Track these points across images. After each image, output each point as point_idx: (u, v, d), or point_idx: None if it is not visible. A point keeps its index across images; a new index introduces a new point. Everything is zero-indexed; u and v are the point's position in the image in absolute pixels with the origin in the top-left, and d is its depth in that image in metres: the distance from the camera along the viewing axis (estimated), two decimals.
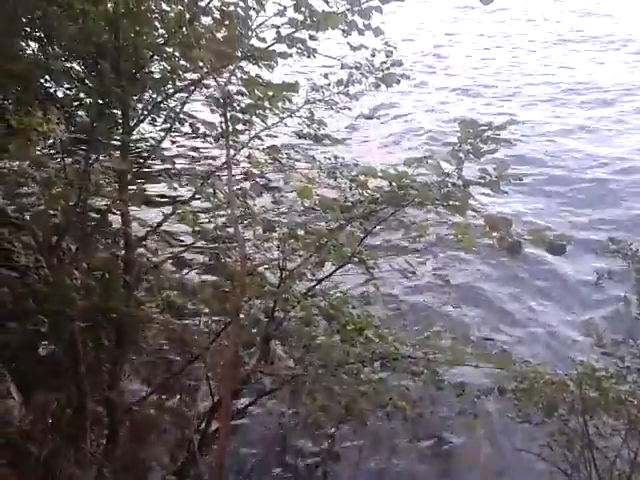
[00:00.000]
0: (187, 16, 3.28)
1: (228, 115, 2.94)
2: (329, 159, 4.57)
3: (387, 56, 4.86)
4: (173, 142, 4.05)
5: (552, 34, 12.30)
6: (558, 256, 4.59)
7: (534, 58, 10.76)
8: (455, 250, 4.47)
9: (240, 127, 3.33)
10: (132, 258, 3.34)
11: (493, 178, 2.34)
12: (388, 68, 4.88)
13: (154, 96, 3.92)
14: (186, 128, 4.25)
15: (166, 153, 4.19)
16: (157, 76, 3.93)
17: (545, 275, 4.67)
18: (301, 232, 3.01)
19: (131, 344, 3.40)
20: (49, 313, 3.44)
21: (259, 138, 3.74)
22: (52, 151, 5.02)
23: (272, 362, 3.16)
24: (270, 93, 3.52)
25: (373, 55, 4.80)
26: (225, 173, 3.94)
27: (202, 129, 4.04)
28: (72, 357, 3.35)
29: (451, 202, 2.36)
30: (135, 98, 3.84)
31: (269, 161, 3.97)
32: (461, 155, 2.44)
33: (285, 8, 3.43)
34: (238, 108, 3.25)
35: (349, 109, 4.98)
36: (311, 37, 3.71)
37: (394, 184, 2.49)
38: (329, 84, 5.02)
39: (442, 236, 3.26)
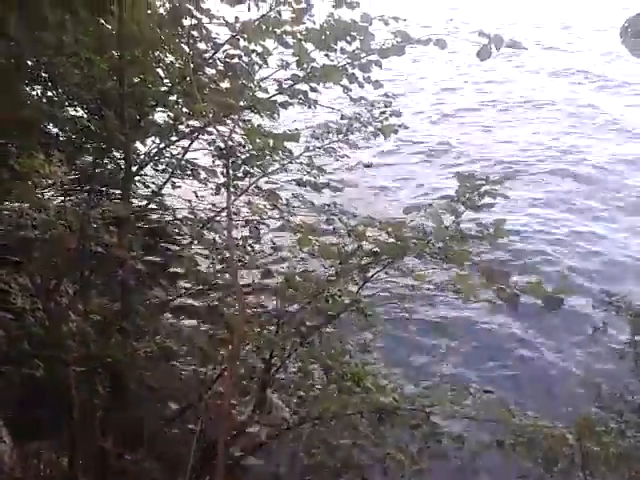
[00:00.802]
0: (191, 66, 3.35)
1: (229, 163, 2.97)
2: (328, 205, 4.60)
3: (386, 106, 5.00)
4: (174, 187, 4.08)
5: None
6: (553, 310, 4.57)
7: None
8: (454, 299, 4.48)
9: (241, 173, 3.36)
10: (129, 303, 3.33)
11: (490, 232, 2.36)
12: (387, 118, 5.02)
13: (157, 141, 3.99)
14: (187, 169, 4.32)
15: (167, 198, 4.21)
16: (160, 121, 4.02)
17: (540, 326, 4.67)
18: (299, 279, 3.00)
19: (126, 391, 3.35)
20: (44, 358, 3.41)
21: (258, 187, 3.82)
22: (53, 193, 5.09)
23: (269, 411, 3.11)
24: (271, 142, 3.62)
25: (372, 106, 4.94)
26: (224, 218, 4.03)
27: (203, 174, 4.10)
28: (66, 403, 3.31)
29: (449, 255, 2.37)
30: (138, 144, 3.92)
31: (268, 207, 4.00)
32: (459, 208, 2.48)
33: (288, 64, 3.52)
34: (240, 161, 3.30)
35: (348, 157, 5.05)
36: (312, 89, 3.81)
37: (392, 238, 2.50)
38: (329, 132, 5.13)
39: (440, 283, 3.26)
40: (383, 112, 5.08)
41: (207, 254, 3.57)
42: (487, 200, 2.47)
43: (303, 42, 3.45)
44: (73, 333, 3.22)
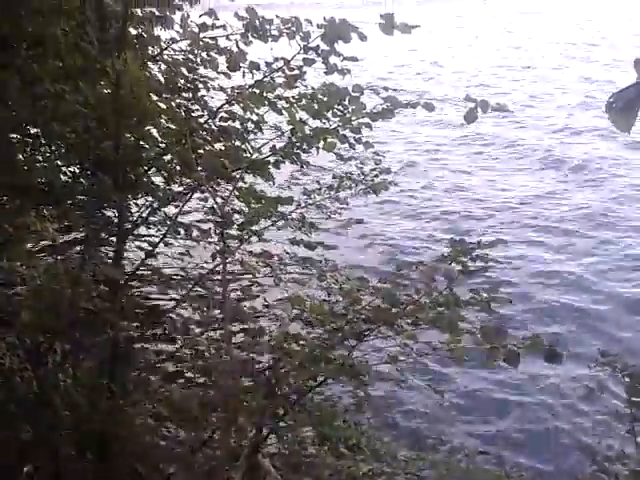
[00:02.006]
0: (187, 130, 3.42)
1: (224, 231, 3.00)
2: (320, 261, 4.62)
3: (376, 164, 5.11)
4: (167, 244, 4.09)
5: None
6: (554, 364, 4.55)
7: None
8: (449, 358, 4.45)
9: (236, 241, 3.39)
10: (119, 367, 3.29)
11: (484, 298, 2.39)
12: (377, 175, 5.13)
13: (150, 199, 4.03)
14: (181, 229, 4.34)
15: (159, 255, 4.21)
16: (154, 179, 4.07)
17: (535, 385, 4.65)
18: (293, 344, 2.99)
19: (114, 457, 3.27)
20: (33, 422, 3.33)
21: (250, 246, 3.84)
22: (44, 251, 5.07)
23: (264, 478, 3.04)
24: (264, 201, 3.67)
25: (362, 164, 5.05)
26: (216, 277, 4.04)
27: (196, 232, 4.14)
28: (53, 469, 3.22)
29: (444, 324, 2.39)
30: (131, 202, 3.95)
31: (261, 264, 4.01)
32: (453, 273, 2.51)
33: (282, 133, 3.60)
34: (235, 227, 3.34)
35: (339, 214, 5.11)
36: (304, 151, 3.89)
37: (385, 304, 2.52)
38: (320, 189, 5.22)
39: (435, 344, 3.25)
40: (373, 169, 5.21)
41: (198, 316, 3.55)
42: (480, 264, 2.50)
43: (296, 110, 3.53)
44: (62, 397, 3.16)
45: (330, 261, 4.90)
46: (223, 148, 3.76)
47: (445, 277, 2.48)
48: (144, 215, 3.88)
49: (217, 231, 3.22)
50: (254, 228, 3.47)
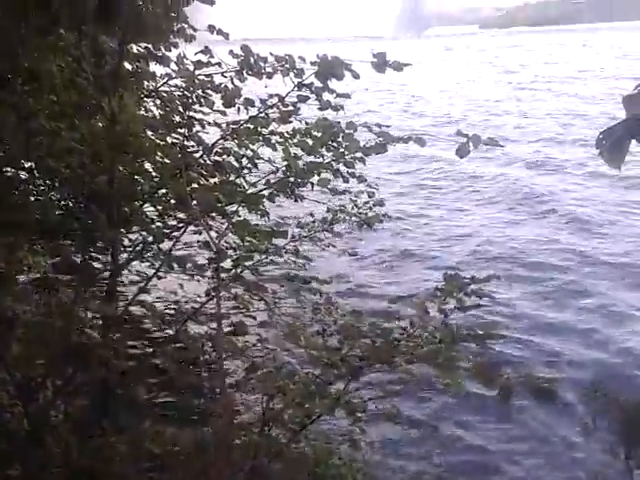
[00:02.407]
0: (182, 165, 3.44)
1: (219, 267, 3.00)
2: (314, 294, 4.60)
3: (369, 197, 5.15)
4: (160, 278, 4.07)
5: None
6: (546, 402, 4.54)
7: None
8: (444, 394, 4.42)
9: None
10: (110, 404, 3.24)
11: (478, 332, 2.38)
12: (370, 208, 5.16)
13: (144, 233, 4.03)
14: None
15: (152, 288, 4.18)
16: (148, 213, 4.08)
17: (530, 420, 4.59)
18: (287, 380, 2.96)
19: None
20: (23, 459, 3.26)
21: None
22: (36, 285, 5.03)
23: None
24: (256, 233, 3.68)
25: (356, 197, 5.10)
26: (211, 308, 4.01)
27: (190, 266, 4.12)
28: None
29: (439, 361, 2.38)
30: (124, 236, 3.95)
31: (255, 299, 4.00)
32: (447, 308, 2.51)
33: (277, 169, 3.63)
34: (230, 262, 3.33)
35: (334, 246, 5.13)
36: (298, 185, 3.92)
37: (380, 341, 2.51)
38: (314, 222, 5.24)
39: (431, 378, 3.22)
40: (367, 202, 5.25)
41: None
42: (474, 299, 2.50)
43: (290, 145, 3.57)
44: (53, 434, 3.10)
45: (324, 294, 4.89)
46: (218, 182, 3.78)
47: (440, 312, 2.48)
48: (138, 249, 3.87)
49: (211, 266, 3.21)
50: (248, 263, 3.45)
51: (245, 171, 3.75)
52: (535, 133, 17.51)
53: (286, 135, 3.88)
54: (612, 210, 10.33)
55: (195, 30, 3.74)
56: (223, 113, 3.70)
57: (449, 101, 25.21)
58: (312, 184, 3.73)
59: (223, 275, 3.70)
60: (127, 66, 3.94)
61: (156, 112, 4.05)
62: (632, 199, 10.81)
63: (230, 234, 3.58)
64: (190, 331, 3.60)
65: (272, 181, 3.78)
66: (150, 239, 3.87)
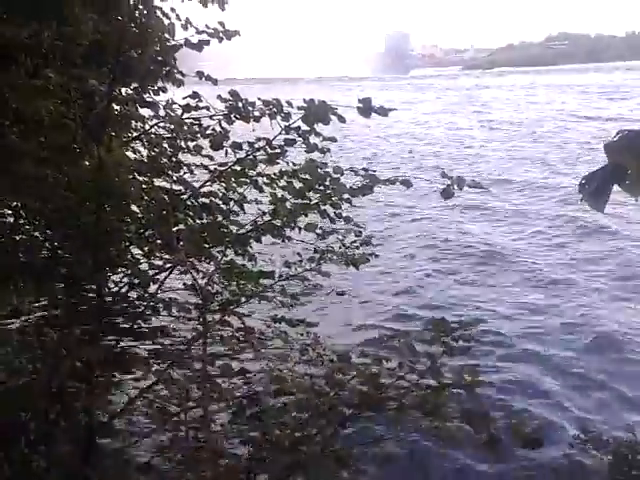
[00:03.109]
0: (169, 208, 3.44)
1: (205, 311, 2.97)
2: (301, 335, 4.57)
3: (356, 236, 5.17)
4: (145, 319, 4.02)
5: None
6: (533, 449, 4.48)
7: None
8: (433, 440, 4.36)
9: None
10: (94, 451, 3.16)
11: (466, 378, 2.37)
12: (357, 247, 5.17)
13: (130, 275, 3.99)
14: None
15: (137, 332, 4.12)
16: (134, 252, 4.05)
17: (518, 467, 4.52)
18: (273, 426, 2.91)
19: None
20: None
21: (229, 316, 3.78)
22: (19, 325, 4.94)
23: None
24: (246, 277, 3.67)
25: (344, 237, 5.11)
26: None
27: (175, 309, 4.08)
28: None
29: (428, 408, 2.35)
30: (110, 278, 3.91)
31: (242, 339, 3.96)
32: (435, 351, 2.49)
33: (264, 213, 3.65)
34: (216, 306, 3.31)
35: (321, 286, 5.11)
36: (285, 226, 3.94)
37: (369, 386, 2.48)
38: (301, 261, 5.23)
39: (420, 424, 3.18)
40: (354, 242, 5.26)
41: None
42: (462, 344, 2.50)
43: (277, 186, 3.60)
44: None
45: (312, 334, 4.87)
46: (205, 224, 3.78)
47: (428, 357, 2.47)
48: (123, 291, 3.83)
49: (197, 309, 3.18)
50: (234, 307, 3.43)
51: (232, 214, 3.76)
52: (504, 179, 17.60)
53: (273, 177, 3.92)
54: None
55: (183, 75, 3.79)
56: (211, 158, 3.72)
57: (420, 141, 25.64)
58: (299, 228, 3.74)
59: (210, 317, 3.68)
60: (116, 108, 3.98)
61: (144, 153, 4.08)
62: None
63: (217, 276, 3.57)
64: (175, 374, 3.53)
65: (259, 223, 3.79)
66: (136, 281, 3.83)
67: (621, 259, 10.10)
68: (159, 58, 3.86)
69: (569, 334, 7.16)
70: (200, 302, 2.79)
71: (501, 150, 22.63)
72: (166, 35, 3.83)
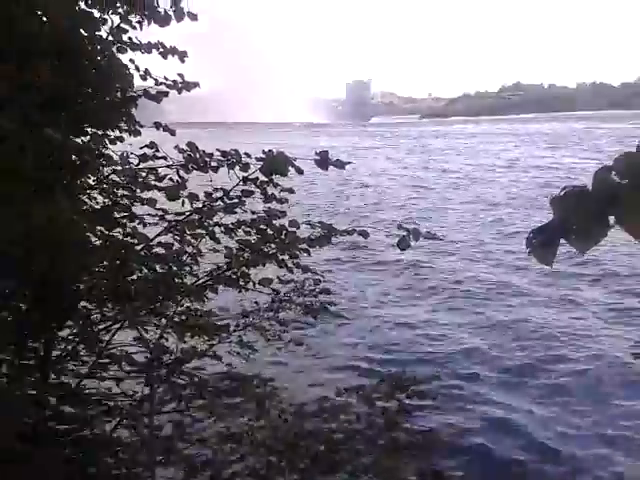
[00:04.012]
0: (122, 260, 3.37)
1: (155, 376, 2.88)
2: (257, 386, 4.47)
3: (315, 284, 5.15)
4: (94, 375, 3.86)
5: None
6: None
7: None
8: None
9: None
10: None
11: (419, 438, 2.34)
12: (316, 296, 5.15)
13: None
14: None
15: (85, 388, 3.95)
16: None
17: None
18: None
19: None
20: None
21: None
22: None
23: None
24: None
25: (302, 286, 5.09)
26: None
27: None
28: None
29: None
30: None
31: (195, 395, 3.84)
32: (390, 407, 2.46)
33: (219, 267, 3.61)
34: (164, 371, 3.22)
35: (279, 336, 5.04)
36: (242, 275, 3.90)
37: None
38: (259, 310, 5.18)
39: None
40: (313, 290, 5.24)
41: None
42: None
43: (236, 236, 3.58)
44: None
45: (269, 386, 4.76)
46: (159, 274, 3.71)
47: (382, 414, 2.43)
48: (71, 346, 3.69)
49: (147, 364, 3.08)
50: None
51: (187, 265, 3.71)
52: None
53: (231, 226, 3.90)
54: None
55: (141, 126, 3.78)
56: (165, 212, 3.68)
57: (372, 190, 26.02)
58: (253, 283, 3.72)
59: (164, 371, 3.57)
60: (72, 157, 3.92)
61: (100, 202, 4.01)
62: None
63: (171, 330, 3.48)
64: (123, 434, 3.39)
65: (215, 274, 3.74)
66: (85, 336, 3.70)
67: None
68: (119, 107, 3.84)
69: (524, 384, 7.12)
70: (148, 364, 2.69)
71: (452, 198, 23.14)
72: (125, 84, 3.83)
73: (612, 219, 1.31)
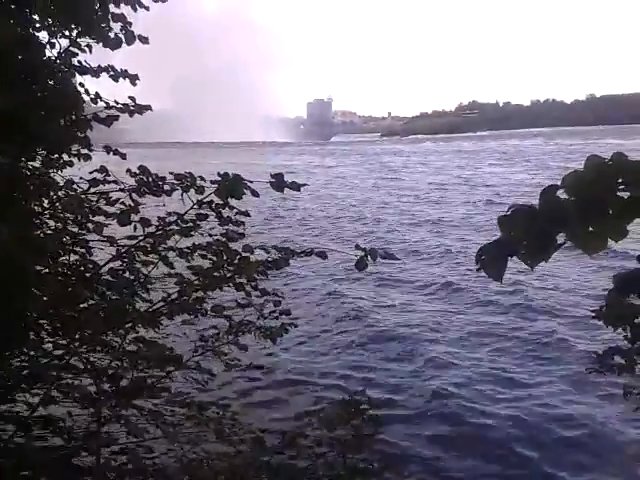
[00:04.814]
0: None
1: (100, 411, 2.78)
2: (218, 413, 4.38)
3: (275, 306, 5.09)
4: (46, 406, 3.71)
5: None
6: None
7: None
8: None
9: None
10: None
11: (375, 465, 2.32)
12: (277, 317, 5.08)
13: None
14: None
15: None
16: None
17: None
18: None
19: None
20: None
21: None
22: None
23: None
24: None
25: (262, 308, 5.02)
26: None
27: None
28: None
29: None
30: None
31: (151, 423, 3.73)
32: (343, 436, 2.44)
33: (169, 295, 3.54)
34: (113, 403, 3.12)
35: (238, 360, 4.94)
36: (198, 300, 3.83)
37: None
38: (218, 333, 5.08)
39: None
40: (273, 311, 5.17)
41: None
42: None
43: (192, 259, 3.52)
44: None
45: (229, 413, 4.66)
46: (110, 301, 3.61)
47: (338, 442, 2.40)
48: (21, 376, 3.54)
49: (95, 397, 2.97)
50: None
51: (141, 290, 3.62)
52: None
53: (186, 251, 3.84)
54: None
55: (91, 150, 3.70)
56: (113, 239, 3.60)
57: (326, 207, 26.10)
58: (205, 311, 3.66)
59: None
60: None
61: (52, 225, 3.90)
62: None
63: (123, 359, 3.38)
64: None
65: (169, 300, 3.67)
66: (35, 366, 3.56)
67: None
68: (73, 129, 3.76)
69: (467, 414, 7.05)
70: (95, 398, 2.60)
71: (406, 216, 23.35)
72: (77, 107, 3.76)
73: (562, 236, 1.33)
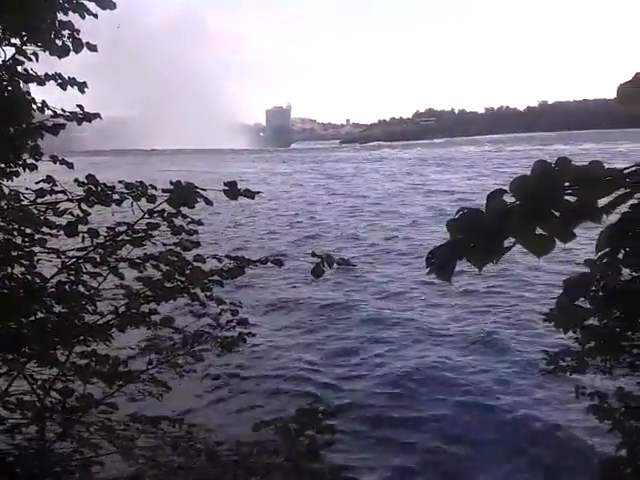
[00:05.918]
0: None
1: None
2: (172, 425, 4.29)
3: (233, 315, 5.02)
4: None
5: None
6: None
7: None
8: None
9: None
10: None
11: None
12: (234, 327, 5.02)
13: None
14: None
15: None
16: None
17: None
18: None
19: None
20: None
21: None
22: None
23: None
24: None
25: (218, 318, 4.95)
26: None
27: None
28: None
29: None
30: None
31: (103, 437, 3.63)
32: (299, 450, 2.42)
33: (117, 308, 3.46)
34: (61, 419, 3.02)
35: (195, 372, 4.86)
36: (150, 312, 3.75)
37: None
38: (174, 344, 4.98)
39: None
40: (230, 321, 5.10)
41: None
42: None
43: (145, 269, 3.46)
44: None
45: (184, 425, 4.57)
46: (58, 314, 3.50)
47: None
48: None
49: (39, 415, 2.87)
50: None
51: (90, 303, 3.52)
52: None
53: (137, 261, 3.75)
54: None
55: (37, 159, 3.59)
56: (62, 252, 3.49)
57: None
58: (155, 323, 3.59)
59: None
60: None
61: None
62: None
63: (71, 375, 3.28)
64: None
65: (121, 311, 3.58)
66: None
67: None
68: (22, 138, 3.63)
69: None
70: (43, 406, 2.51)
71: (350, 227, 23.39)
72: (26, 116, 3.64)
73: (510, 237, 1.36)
